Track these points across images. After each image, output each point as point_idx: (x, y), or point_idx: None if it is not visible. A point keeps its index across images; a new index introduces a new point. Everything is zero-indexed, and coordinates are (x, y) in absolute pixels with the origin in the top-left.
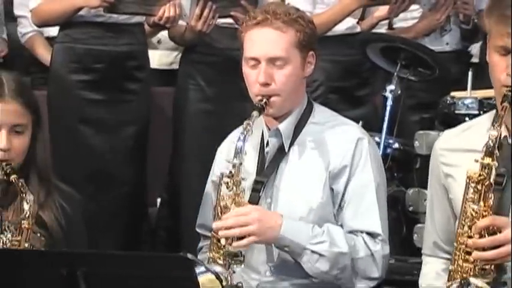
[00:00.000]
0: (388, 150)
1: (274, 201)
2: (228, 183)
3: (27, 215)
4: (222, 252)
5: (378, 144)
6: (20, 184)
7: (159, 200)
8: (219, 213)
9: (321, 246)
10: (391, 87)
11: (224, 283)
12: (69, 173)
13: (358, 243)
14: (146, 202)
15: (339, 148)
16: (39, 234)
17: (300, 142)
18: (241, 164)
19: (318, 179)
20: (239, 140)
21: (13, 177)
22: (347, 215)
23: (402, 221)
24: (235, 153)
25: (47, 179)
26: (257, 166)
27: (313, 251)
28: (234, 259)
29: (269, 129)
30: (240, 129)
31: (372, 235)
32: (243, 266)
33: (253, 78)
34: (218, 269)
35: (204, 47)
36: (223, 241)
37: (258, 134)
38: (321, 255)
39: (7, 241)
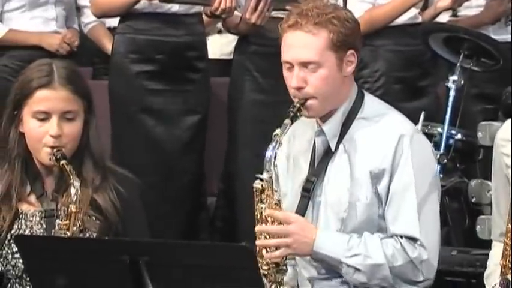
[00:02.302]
0: (451, 141)
1: (324, 201)
2: (262, 196)
3: (74, 200)
4: (265, 262)
5: (441, 135)
6: (68, 169)
7: None
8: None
9: (356, 259)
10: (454, 77)
11: None
12: (131, 162)
13: (396, 251)
14: (205, 192)
15: (380, 147)
16: (94, 218)
17: (348, 140)
18: (271, 177)
19: (363, 179)
20: (268, 149)
21: (62, 162)
22: (388, 219)
23: (465, 213)
24: (264, 165)
25: (101, 165)
26: (309, 165)
27: (348, 265)
28: (277, 269)
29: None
30: (302, 120)
31: (412, 239)
32: (285, 275)
33: (289, 81)
34: None
35: (257, 38)
36: (264, 252)
37: (312, 131)
38: (356, 268)
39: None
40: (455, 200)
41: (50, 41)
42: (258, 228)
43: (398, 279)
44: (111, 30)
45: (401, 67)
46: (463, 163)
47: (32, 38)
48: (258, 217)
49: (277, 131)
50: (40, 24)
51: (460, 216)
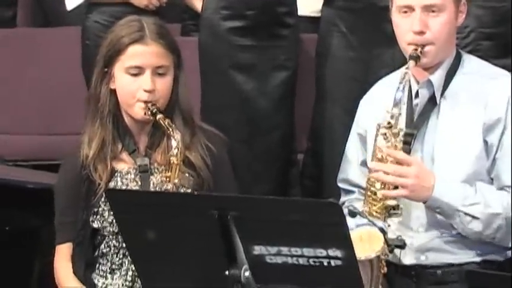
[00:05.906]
0: None
1: (426, 155)
2: (386, 134)
3: (175, 152)
4: (378, 205)
5: None
6: (167, 122)
7: None
8: None
9: (475, 208)
10: None
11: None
12: (221, 119)
13: (510, 201)
14: (296, 148)
15: (492, 99)
16: (187, 174)
17: (450, 93)
18: (400, 114)
19: (472, 132)
20: (398, 90)
21: (159, 116)
22: (500, 169)
23: None
24: (394, 103)
25: (190, 121)
26: (406, 118)
27: (466, 213)
28: (391, 212)
29: (416, 80)
30: (384, 81)
31: None
32: (400, 218)
33: (405, 26)
34: (379, 224)
35: None
36: (379, 194)
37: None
38: (474, 217)
39: (157, 180)
40: None
41: None
42: (374, 164)
43: (508, 231)
44: None
45: (492, 24)
46: None
47: None
48: (377, 155)
49: (404, 71)
50: None
51: None
